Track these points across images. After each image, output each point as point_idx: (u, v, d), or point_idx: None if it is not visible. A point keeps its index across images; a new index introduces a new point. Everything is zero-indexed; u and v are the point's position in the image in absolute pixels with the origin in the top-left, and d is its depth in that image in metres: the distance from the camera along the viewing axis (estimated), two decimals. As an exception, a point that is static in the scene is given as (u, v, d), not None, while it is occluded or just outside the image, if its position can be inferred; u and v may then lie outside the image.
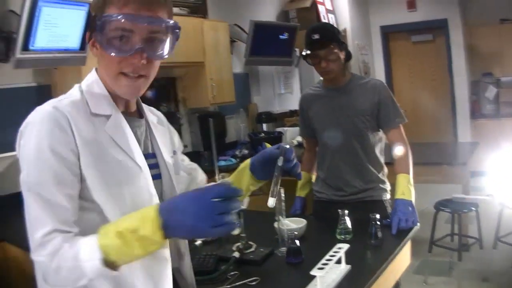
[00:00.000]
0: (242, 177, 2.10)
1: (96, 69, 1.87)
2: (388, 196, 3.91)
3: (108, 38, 1.73)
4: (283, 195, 3.29)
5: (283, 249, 3.15)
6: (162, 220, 1.52)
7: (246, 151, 7.51)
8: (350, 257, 2.81)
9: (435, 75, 11.42)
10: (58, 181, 1.62)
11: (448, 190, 6.54)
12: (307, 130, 4.16)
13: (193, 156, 5.00)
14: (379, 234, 3.16)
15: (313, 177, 4.20)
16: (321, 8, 9.70)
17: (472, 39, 10.92)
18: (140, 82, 1.80)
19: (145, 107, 2.10)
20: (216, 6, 8.05)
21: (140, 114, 2.02)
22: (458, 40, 10.92)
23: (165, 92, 7.19)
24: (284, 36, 8.54)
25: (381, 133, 3.90)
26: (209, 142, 6.65)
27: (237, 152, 7.55)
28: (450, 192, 6.35)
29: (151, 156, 1.96)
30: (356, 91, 3.83)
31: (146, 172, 1.85)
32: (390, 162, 3.85)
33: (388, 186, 3.93)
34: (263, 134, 8.06)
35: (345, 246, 2.79)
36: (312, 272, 2.52)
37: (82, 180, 1.67)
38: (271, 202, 1.92)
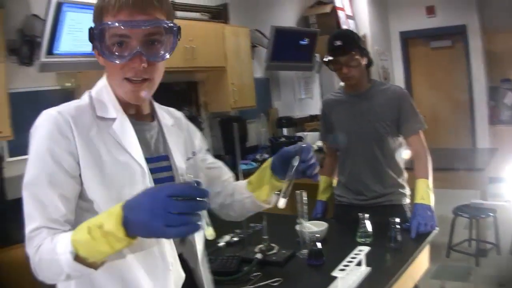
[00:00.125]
0: (264, 176, 2.09)
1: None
2: (407, 200, 3.94)
3: (107, 46, 1.76)
4: (305, 198, 3.32)
5: (305, 251, 3.19)
6: (124, 216, 1.49)
7: (266, 155, 7.51)
8: (370, 259, 2.86)
9: (454, 81, 11.32)
10: (51, 182, 1.68)
11: (467, 195, 6.57)
12: (328, 135, 4.20)
13: (214, 160, 5.06)
14: (399, 237, 3.20)
15: (334, 182, 4.24)
16: (341, 14, 9.72)
17: (490, 45, 10.83)
18: (144, 86, 1.82)
19: (163, 109, 2.15)
20: (237, 12, 8.07)
21: (153, 117, 2.05)
22: (476, 46, 10.85)
23: (187, 96, 7.22)
24: (305, 42, 8.56)
25: (401, 139, 3.93)
26: (230, 146, 6.72)
27: (257, 156, 7.62)
28: (468, 198, 6.40)
29: (164, 159, 1.98)
30: (377, 97, 3.88)
31: (148, 174, 1.85)
32: (410, 168, 3.90)
33: (407, 191, 3.96)
34: (283, 139, 8.07)
35: (366, 249, 2.85)
36: (334, 273, 2.57)
37: (82, 181, 1.72)
38: (282, 202, 1.91)
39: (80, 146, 1.74)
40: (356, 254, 2.79)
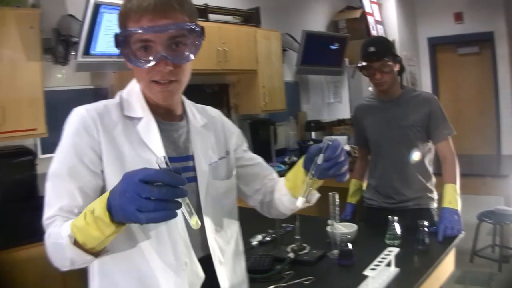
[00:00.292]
0: (297, 174, 1.99)
1: None
2: (435, 205, 3.99)
3: (132, 51, 1.78)
4: (337, 200, 3.39)
5: (335, 251, 3.25)
6: (107, 200, 1.50)
7: (295, 158, 7.61)
8: (398, 260, 2.92)
9: (480, 87, 11.29)
10: (71, 175, 1.74)
11: (491, 202, 6.60)
12: (360, 140, 4.28)
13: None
14: (427, 240, 3.27)
15: (364, 185, 4.32)
16: (370, 19, 9.76)
17: (517, 52, 10.78)
18: (172, 87, 1.83)
19: (198, 108, 2.18)
20: (268, 15, 8.14)
21: (183, 117, 2.06)
22: (503, 53, 10.83)
23: (218, 98, 7.30)
24: (335, 46, 8.64)
25: (430, 144, 3.98)
26: (259, 148, 6.76)
27: (286, 159, 7.69)
28: (493, 204, 6.42)
29: (191, 159, 1.98)
30: (408, 103, 3.94)
31: None
32: (438, 173, 3.96)
33: (435, 195, 4.01)
34: (311, 142, 8.01)
35: (396, 250, 2.92)
36: (365, 272, 2.64)
37: (105, 178, 1.78)
38: (299, 202, 1.86)
39: (104, 143, 1.80)
40: (386, 255, 2.86)
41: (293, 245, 3.38)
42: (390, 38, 9.96)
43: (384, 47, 3.86)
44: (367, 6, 9.87)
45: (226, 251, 2.04)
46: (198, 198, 1.94)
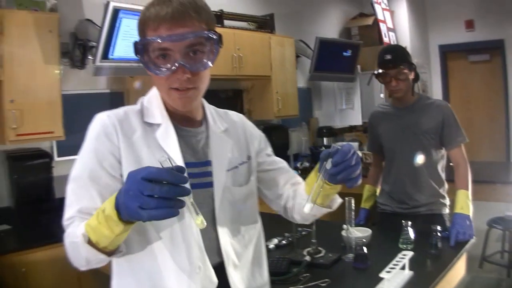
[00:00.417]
0: (313, 179, 1.98)
1: None
2: (447, 210, 4.06)
3: (150, 59, 1.81)
4: (353, 205, 3.45)
5: (350, 255, 3.33)
6: (116, 198, 1.54)
7: (307, 164, 7.65)
8: (412, 264, 3.00)
9: (490, 94, 11.30)
10: (91, 178, 1.79)
11: (501, 208, 6.61)
12: (375, 146, 4.36)
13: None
14: (439, 244, 3.35)
15: (377, 190, 4.38)
16: (382, 26, 9.77)
17: (528, 59, 10.74)
18: (190, 94, 1.85)
19: (220, 113, 2.20)
20: (282, 22, 8.19)
21: (202, 122, 2.07)
22: None
23: (232, 104, 7.30)
24: (348, 53, 8.68)
25: (443, 151, 4.05)
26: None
27: (298, 165, 7.69)
28: (503, 211, 6.46)
29: (208, 164, 1.99)
30: (423, 111, 4.01)
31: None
32: (451, 179, 4.03)
33: (447, 201, 4.07)
34: (323, 148, 7.77)
35: (410, 254, 3.00)
36: (381, 275, 2.73)
37: (123, 180, 1.80)
38: (307, 208, 1.81)
39: (123, 148, 1.85)
40: (401, 258, 2.94)
41: (309, 249, 3.45)
42: (402, 45, 9.94)
43: (400, 55, 3.94)
44: (380, 14, 9.89)
45: (243, 256, 2.05)
46: (213, 203, 1.95)
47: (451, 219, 3.81)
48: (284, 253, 3.48)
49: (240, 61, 6.67)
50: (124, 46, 5.23)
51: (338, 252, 3.43)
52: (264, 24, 7.78)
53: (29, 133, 4.78)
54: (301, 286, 2.97)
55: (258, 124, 7.55)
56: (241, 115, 2.30)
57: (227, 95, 7.30)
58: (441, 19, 11.54)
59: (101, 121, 1.90)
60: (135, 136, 1.90)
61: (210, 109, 2.14)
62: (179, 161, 1.87)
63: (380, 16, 9.87)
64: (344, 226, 3.53)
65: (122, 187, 1.51)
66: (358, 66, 9.09)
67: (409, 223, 3.47)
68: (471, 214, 3.72)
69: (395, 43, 10.10)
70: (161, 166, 1.49)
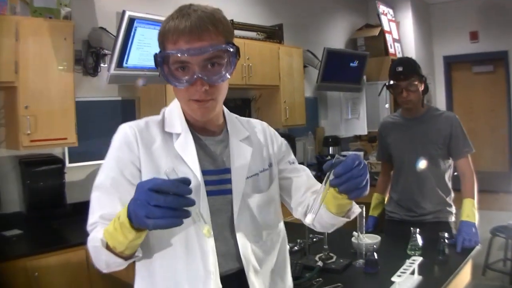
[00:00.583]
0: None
1: None
2: (453, 218, 4.14)
3: (170, 71, 1.86)
4: (364, 213, 3.53)
5: (361, 261, 3.42)
6: (128, 206, 1.59)
7: (313, 172, 7.64)
8: (421, 269, 3.09)
9: (494, 105, 11.33)
10: (113, 186, 1.86)
11: (504, 217, 6.71)
12: (384, 155, 4.45)
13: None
14: (446, 251, 3.44)
15: (385, 199, 4.46)
16: (388, 37, 9.85)
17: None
18: (209, 104, 1.89)
19: (242, 121, 2.23)
20: (290, 32, 8.25)
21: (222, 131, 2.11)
22: None
23: (241, 113, 7.14)
24: (354, 64, 8.70)
25: (450, 161, 4.14)
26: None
27: (304, 174, 7.74)
28: (505, 219, 6.54)
29: (227, 172, 2.01)
30: (431, 121, 4.10)
31: (202, 186, 1.92)
32: (457, 188, 4.11)
33: (453, 210, 4.16)
34: (329, 157, 8.02)
35: (419, 259, 3.10)
36: (393, 279, 2.82)
37: None
38: (308, 219, 1.80)
39: (143, 157, 1.92)
40: (410, 263, 3.03)
41: (320, 254, 3.53)
42: (407, 56, 9.87)
43: (411, 67, 4.04)
44: (386, 24, 9.96)
45: (266, 262, 2.07)
46: (232, 210, 1.98)
47: (457, 227, 3.90)
48: (297, 259, 3.50)
49: (250, 70, 6.71)
50: (138, 54, 5.28)
51: (348, 258, 3.51)
52: (273, 34, 7.81)
53: (43, 139, 4.81)
54: (315, 290, 3.04)
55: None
56: (264, 123, 2.34)
57: (236, 104, 7.32)
58: (446, 30, 11.60)
59: (123, 131, 1.97)
60: (154, 145, 1.96)
61: (232, 117, 2.19)
62: (196, 169, 1.93)
63: (386, 27, 9.94)
64: (354, 233, 3.62)
65: (133, 196, 1.57)
66: (364, 77, 9.13)
67: (417, 230, 3.55)
68: (476, 222, 3.81)
69: (401, 54, 10.23)
70: (167, 178, 1.56)
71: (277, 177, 2.22)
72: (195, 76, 1.82)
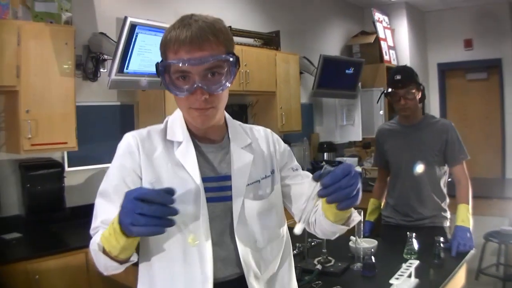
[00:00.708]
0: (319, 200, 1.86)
1: None
2: (448, 223, 4.20)
3: (171, 80, 1.88)
4: (362, 218, 3.59)
5: (358, 264, 3.49)
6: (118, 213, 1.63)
7: None
8: (417, 273, 3.15)
9: (487, 112, 11.39)
10: (115, 193, 1.89)
11: (497, 222, 6.72)
12: (381, 161, 4.50)
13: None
14: (442, 255, 3.51)
15: (382, 204, 4.53)
16: (383, 44, 9.94)
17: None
18: (209, 112, 1.91)
19: (246, 128, 2.24)
20: (287, 39, 8.30)
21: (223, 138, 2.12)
22: (511, 79, 10.98)
23: (237, 118, 7.18)
24: (350, 71, 8.75)
25: (446, 167, 4.20)
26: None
27: (299, 179, 7.77)
28: (498, 224, 6.59)
29: (229, 178, 2.02)
30: (428, 129, 4.17)
31: (202, 192, 1.93)
32: (452, 194, 4.19)
33: (448, 215, 4.21)
34: (324, 163, 8.00)
35: (416, 262, 3.16)
36: (391, 281, 2.90)
37: None
38: (297, 229, 1.76)
39: (144, 165, 1.96)
40: (408, 266, 3.10)
41: (319, 258, 3.59)
42: (402, 63, 10.13)
43: (409, 75, 4.11)
44: (381, 32, 10.05)
45: (267, 267, 2.08)
46: (232, 216, 1.99)
47: (451, 232, 3.97)
48: (296, 262, 3.42)
49: (247, 76, 6.75)
50: (139, 60, 5.30)
51: (347, 262, 3.56)
52: (270, 41, 7.85)
53: (43, 143, 4.82)
54: (315, 293, 3.09)
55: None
56: (268, 130, 2.33)
57: (233, 109, 7.32)
58: (441, 38, 11.67)
59: (127, 140, 2.03)
60: (155, 154, 2.00)
61: (234, 124, 2.20)
62: (196, 176, 1.95)
63: (381, 34, 10.03)
64: (352, 237, 3.67)
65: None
66: (359, 83, 9.17)
67: (414, 234, 3.61)
68: (471, 227, 3.88)
69: (396, 61, 10.32)
70: (151, 187, 1.64)
71: (279, 183, 2.22)
72: (195, 86, 1.84)
